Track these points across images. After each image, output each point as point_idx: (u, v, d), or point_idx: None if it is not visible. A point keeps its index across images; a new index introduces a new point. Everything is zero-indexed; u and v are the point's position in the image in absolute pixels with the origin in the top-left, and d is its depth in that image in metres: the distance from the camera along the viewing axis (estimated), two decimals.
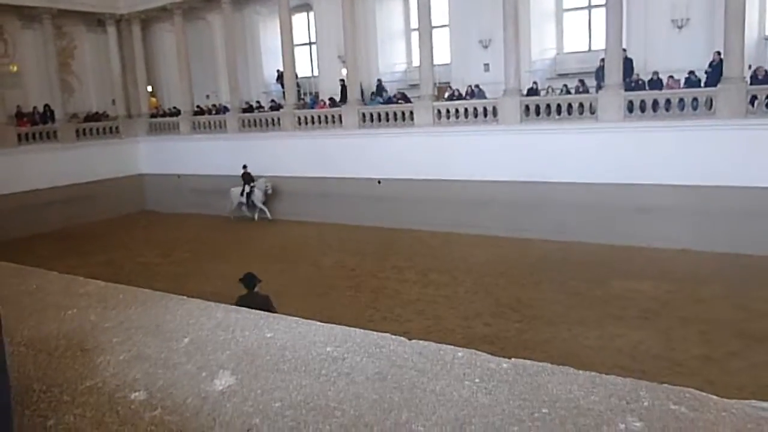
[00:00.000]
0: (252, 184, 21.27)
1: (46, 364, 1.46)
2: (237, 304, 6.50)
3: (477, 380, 1.25)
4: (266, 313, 1.76)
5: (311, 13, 24.74)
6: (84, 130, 24.51)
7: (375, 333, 1.54)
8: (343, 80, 21.65)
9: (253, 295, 7.58)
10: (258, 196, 21.21)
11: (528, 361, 1.32)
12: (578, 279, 13.28)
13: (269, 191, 21.20)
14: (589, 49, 19.91)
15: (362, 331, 1.56)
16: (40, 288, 2.05)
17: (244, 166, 21.35)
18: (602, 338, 10.26)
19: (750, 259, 13.57)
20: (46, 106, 24.09)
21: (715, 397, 1.12)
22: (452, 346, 1.43)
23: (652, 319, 10.96)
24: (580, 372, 1.25)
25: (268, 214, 21.29)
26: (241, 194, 21.38)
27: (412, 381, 1.26)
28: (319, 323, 1.63)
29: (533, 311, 11.62)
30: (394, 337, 1.50)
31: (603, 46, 16.76)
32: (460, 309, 11.94)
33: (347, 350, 1.43)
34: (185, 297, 1.88)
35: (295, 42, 22.81)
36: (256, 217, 21.41)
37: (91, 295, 1.94)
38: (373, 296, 12.97)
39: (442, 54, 21.04)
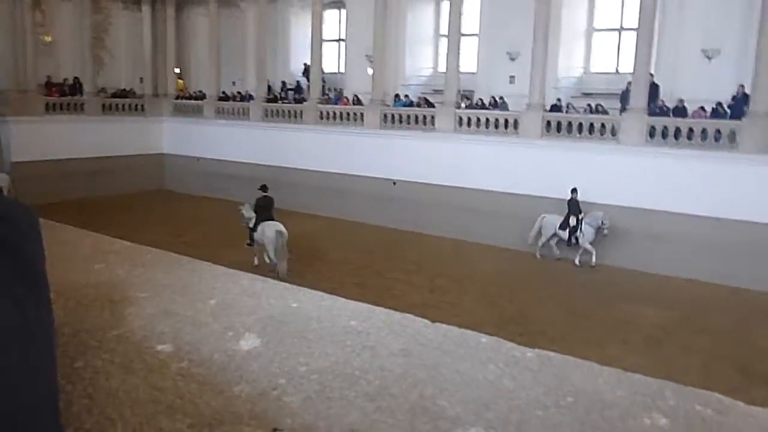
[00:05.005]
0: (580, 216, 15.45)
1: (74, 311, 1.48)
2: (257, 201, 11.24)
3: (501, 365, 1.25)
4: (291, 285, 1.78)
5: (343, 11, 24.87)
6: (110, 105, 24.86)
7: (398, 313, 1.54)
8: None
9: (267, 197, 13.83)
10: (588, 234, 15.38)
11: (552, 353, 1.32)
12: (585, 299, 13.21)
13: (606, 231, 15.26)
14: (617, 71, 19.85)
15: (386, 309, 1.57)
16: (69, 242, 2.08)
17: (573, 190, 15.35)
18: (602, 361, 9.77)
19: (760, 296, 13.41)
20: (76, 78, 24.44)
21: (741, 403, 1.12)
22: (476, 332, 1.44)
23: (654, 346, 10.88)
24: (605, 367, 1.26)
25: (593, 260, 15.44)
26: (561, 227, 15.69)
27: (436, 360, 1.27)
28: (344, 299, 1.64)
29: (536, 327, 11.56)
30: (417, 318, 1.51)
31: (630, 69, 16.69)
32: (463, 317, 11.88)
33: (371, 326, 1.44)
34: (211, 263, 1.90)
35: (325, 38, 22.91)
36: (577, 261, 15.69)
37: (119, 252, 1.97)
38: (378, 296, 12.94)
39: (469, 62, 21.03)
